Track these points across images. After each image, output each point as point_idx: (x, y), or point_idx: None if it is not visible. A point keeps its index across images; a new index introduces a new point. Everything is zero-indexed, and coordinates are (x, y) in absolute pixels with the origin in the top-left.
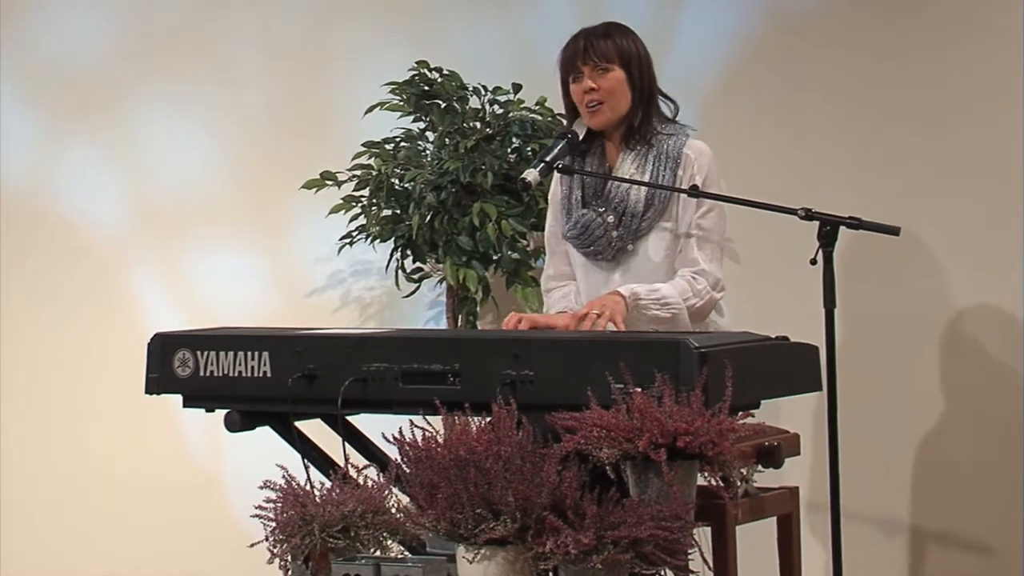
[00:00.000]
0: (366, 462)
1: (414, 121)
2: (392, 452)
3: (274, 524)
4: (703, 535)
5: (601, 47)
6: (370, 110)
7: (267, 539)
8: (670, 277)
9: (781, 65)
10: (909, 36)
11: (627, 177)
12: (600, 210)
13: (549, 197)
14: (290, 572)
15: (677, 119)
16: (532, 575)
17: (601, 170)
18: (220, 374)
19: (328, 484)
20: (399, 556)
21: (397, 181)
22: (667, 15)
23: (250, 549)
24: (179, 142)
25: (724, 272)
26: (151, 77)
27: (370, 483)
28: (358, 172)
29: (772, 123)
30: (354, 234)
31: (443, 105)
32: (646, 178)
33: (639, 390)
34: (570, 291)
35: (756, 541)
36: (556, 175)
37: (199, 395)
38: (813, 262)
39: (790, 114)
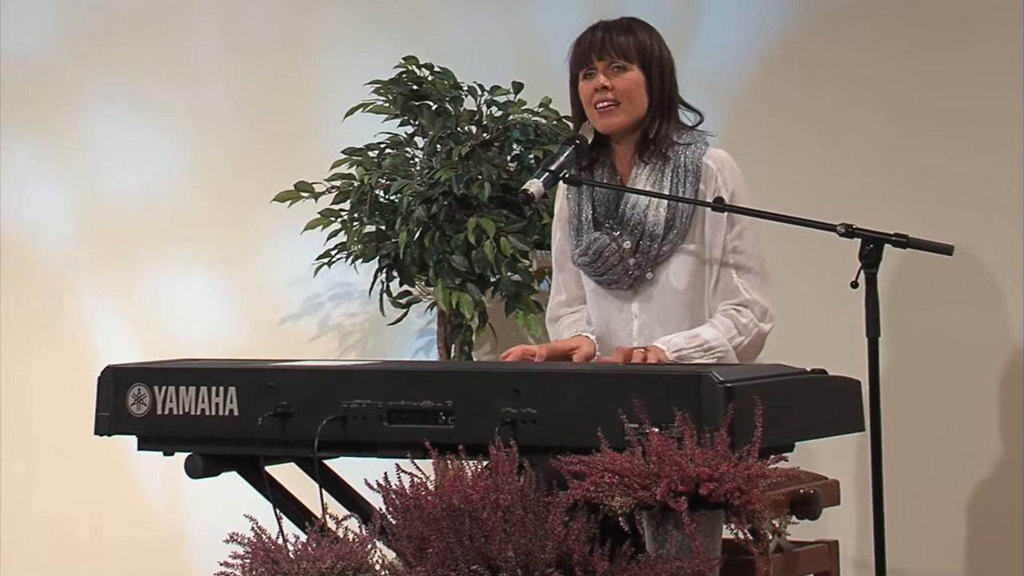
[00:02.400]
0: (346, 512)
1: (401, 125)
2: (376, 500)
3: None
4: None
5: (620, 42)
6: (351, 112)
7: None
8: (696, 307)
9: (816, 66)
10: (964, 34)
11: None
12: (615, 233)
13: (555, 211)
14: None
15: (692, 127)
16: None
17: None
18: (180, 412)
19: (303, 537)
20: None
21: (382, 193)
22: (689, 9)
23: None
24: (135, 148)
25: (772, 298)
26: (103, 74)
27: (351, 536)
28: (337, 183)
29: (806, 130)
30: (333, 253)
31: (434, 107)
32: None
33: (656, 430)
34: (582, 317)
35: None
36: (562, 187)
37: (156, 436)
38: (854, 285)
39: (826, 120)
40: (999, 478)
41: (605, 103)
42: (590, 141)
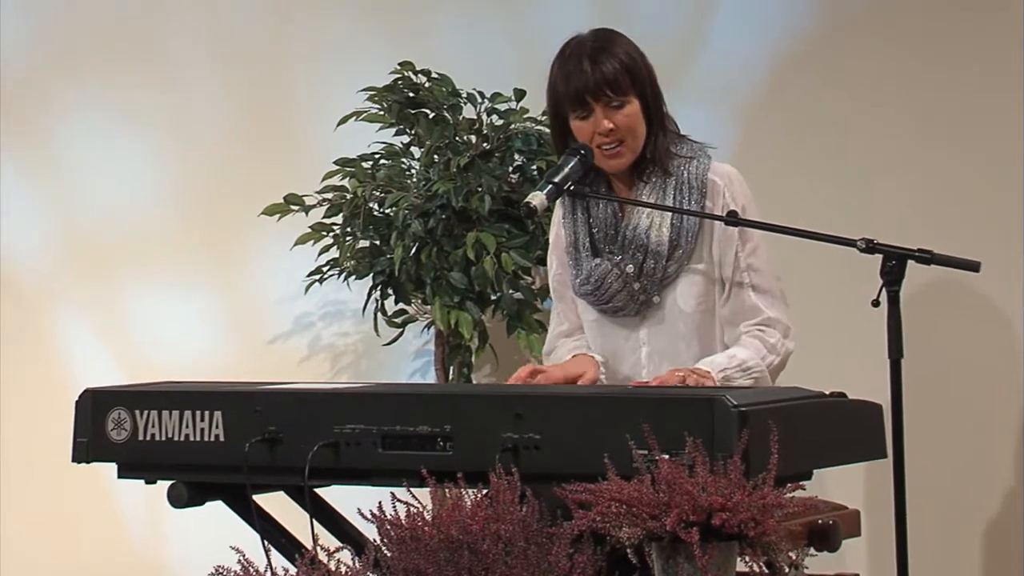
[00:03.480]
0: (339, 543)
1: (396, 134)
2: (370, 531)
3: None
4: None
5: (611, 75)
6: (343, 121)
7: None
8: (706, 330)
9: (832, 72)
10: (989, 39)
11: (645, 216)
12: (616, 258)
13: (551, 240)
14: None
15: (687, 136)
16: None
17: (610, 209)
18: (163, 438)
19: (293, 571)
20: None
21: (376, 206)
22: (697, 13)
23: None
24: (113, 159)
25: (791, 317)
26: (79, 82)
27: (343, 568)
28: (329, 195)
29: (823, 140)
30: (325, 269)
31: (431, 115)
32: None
33: (666, 457)
34: (581, 344)
35: None
36: (557, 214)
37: (138, 463)
38: (875, 304)
39: (844, 129)
40: None
41: (611, 144)
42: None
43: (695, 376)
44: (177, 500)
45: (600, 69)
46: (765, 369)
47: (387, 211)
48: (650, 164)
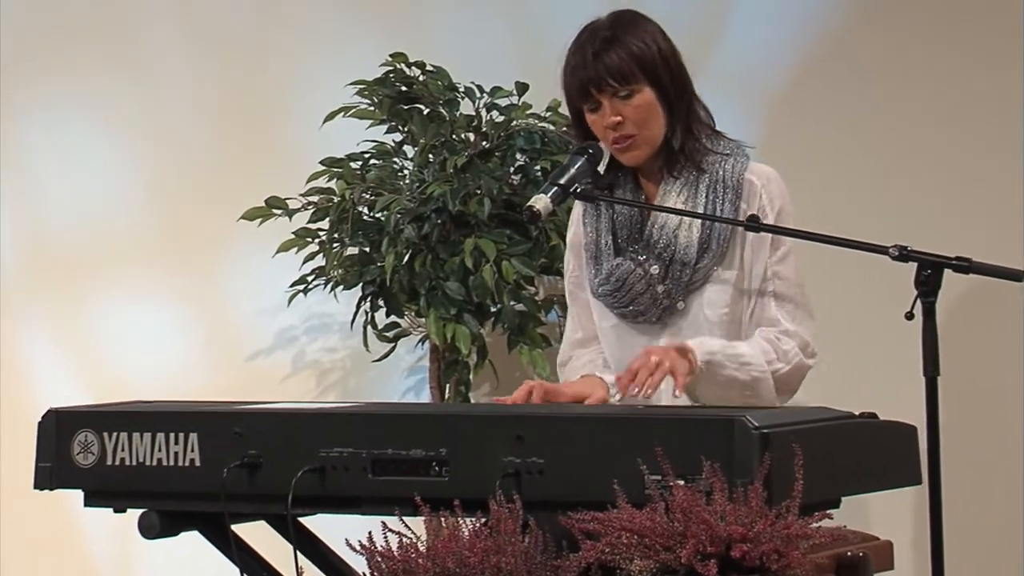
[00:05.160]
0: None
1: (388, 132)
2: (359, 564)
3: None
4: None
5: (615, 65)
6: (330, 117)
7: None
8: (733, 340)
9: (862, 65)
10: None
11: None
12: (640, 258)
13: (568, 238)
14: None
15: (725, 134)
16: None
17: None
18: (134, 463)
19: None
20: None
21: (366, 210)
22: None
23: None
24: (80, 159)
25: (814, 333)
26: (43, 74)
27: None
28: (315, 198)
29: (852, 138)
30: (309, 279)
31: (426, 111)
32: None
33: (681, 483)
34: (596, 358)
35: None
36: (577, 212)
37: (106, 490)
38: (910, 316)
39: (875, 126)
40: None
41: (622, 140)
42: (607, 155)
43: (671, 355)
44: (149, 530)
45: (602, 59)
46: (768, 372)
47: (378, 215)
48: (680, 157)
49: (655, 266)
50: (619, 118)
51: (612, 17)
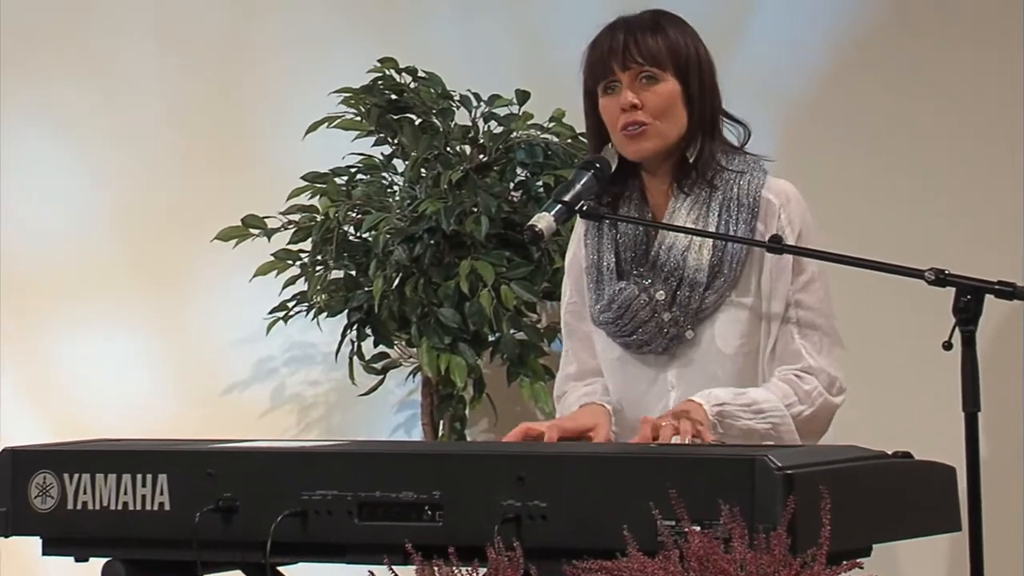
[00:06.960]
0: None
1: (376, 144)
2: None
3: None
4: None
5: (648, 45)
6: (313, 128)
7: None
8: (748, 376)
9: (893, 70)
10: None
11: (683, 234)
12: (645, 282)
13: (567, 260)
14: None
15: (746, 150)
16: None
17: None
18: (97, 507)
19: None
20: None
21: (352, 229)
22: (735, 1)
23: None
24: (39, 173)
25: (843, 366)
26: (2, 82)
27: None
28: (296, 217)
29: (883, 152)
30: (290, 305)
31: (418, 121)
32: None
33: (697, 528)
34: (596, 389)
35: None
36: (579, 230)
37: (67, 537)
38: (947, 346)
39: (908, 139)
40: None
41: (634, 125)
42: (614, 167)
43: (680, 423)
44: None
45: (634, 37)
46: (788, 417)
47: (365, 236)
48: (694, 171)
49: (661, 291)
50: (637, 101)
51: (654, 11)
